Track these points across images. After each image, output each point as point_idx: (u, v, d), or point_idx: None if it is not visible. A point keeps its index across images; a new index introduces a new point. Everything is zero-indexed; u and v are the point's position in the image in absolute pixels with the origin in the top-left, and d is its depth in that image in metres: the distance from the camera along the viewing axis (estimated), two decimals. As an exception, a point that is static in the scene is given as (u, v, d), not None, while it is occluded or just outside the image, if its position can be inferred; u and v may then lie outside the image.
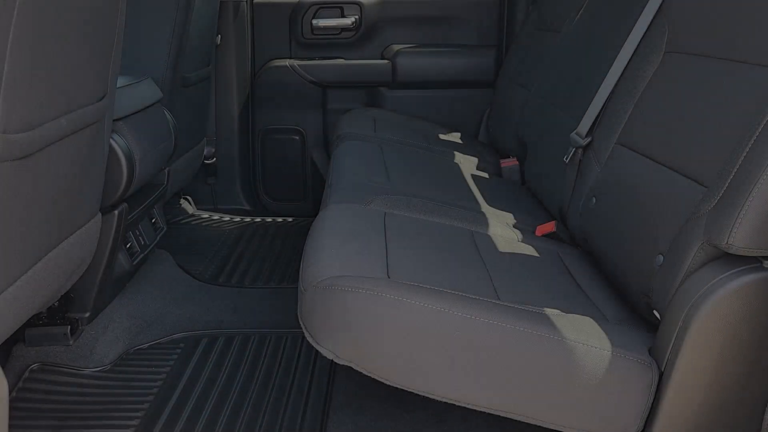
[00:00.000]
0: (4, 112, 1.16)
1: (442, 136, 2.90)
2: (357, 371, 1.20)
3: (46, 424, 1.66)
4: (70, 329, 1.90)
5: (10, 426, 1.63)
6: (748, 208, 1.09)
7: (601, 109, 1.78)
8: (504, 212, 1.95)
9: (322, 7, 3.26)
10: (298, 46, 3.32)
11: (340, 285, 1.21)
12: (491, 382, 1.17)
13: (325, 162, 3.31)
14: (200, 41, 2.71)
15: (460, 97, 3.27)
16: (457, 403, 1.20)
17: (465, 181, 2.21)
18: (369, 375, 1.18)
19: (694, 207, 1.24)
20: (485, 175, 2.41)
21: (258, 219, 3.23)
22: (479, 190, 2.13)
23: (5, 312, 1.34)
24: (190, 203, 3.27)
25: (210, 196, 3.33)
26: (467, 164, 2.50)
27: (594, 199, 1.66)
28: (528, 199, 2.21)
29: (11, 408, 1.69)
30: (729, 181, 1.16)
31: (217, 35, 3.12)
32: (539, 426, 1.22)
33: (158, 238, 2.34)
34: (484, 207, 1.95)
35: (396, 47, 3.27)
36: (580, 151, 1.81)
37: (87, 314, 1.96)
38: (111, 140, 1.82)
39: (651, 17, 1.70)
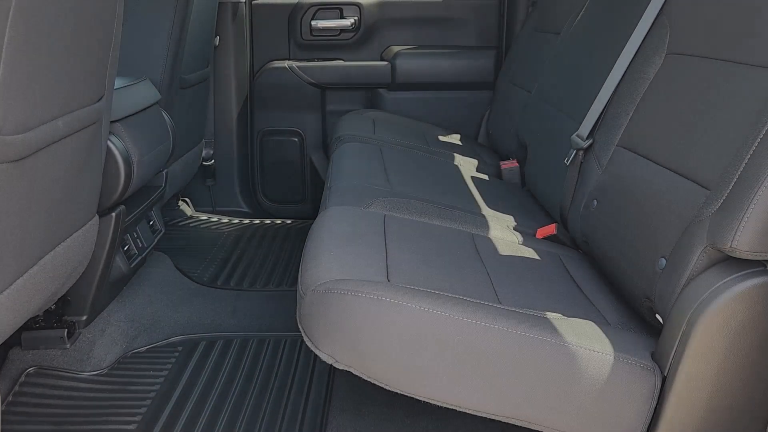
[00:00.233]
0: (0, 114, 1.14)
1: (441, 138, 2.89)
2: (357, 375, 1.18)
3: (43, 429, 1.64)
4: (67, 332, 1.89)
5: (6, 431, 1.62)
6: (753, 210, 1.08)
7: (603, 111, 1.77)
8: (504, 215, 1.94)
9: (321, 8, 3.25)
10: (297, 48, 3.31)
11: (340, 289, 1.19)
12: (492, 387, 1.16)
13: (324, 164, 3.30)
14: (198, 42, 2.70)
15: (460, 99, 3.25)
16: (457, 409, 1.18)
17: (465, 183, 2.20)
18: (369, 380, 1.17)
19: (697, 210, 1.23)
20: (485, 177, 2.39)
21: (257, 221, 3.22)
22: (479, 192, 2.12)
23: (1, 315, 1.32)
24: (188, 205, 3.26)
25: (208, 198, 3.32)
26: (467, 166, 2.48)
27: (595, 202, 1.64)
28: (528, 202, 2.20)
29: (7, 412, 1.68)
30: (733, 183, 1.15)
31: (216, 36, 3.11)
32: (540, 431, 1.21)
33: (156, 241, 2.32)
34: (485, 209, 1.93)
35: (395, 49, 3.26)
36: (581, 153, 1.80)
37: (84, 317, 1.95)
38: (108, 142, 1.81)
39: (652, 18, 1.69)
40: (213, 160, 3.26)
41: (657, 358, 1.19)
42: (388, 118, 3.04)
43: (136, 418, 1.68)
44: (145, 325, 2.08)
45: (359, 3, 3.25)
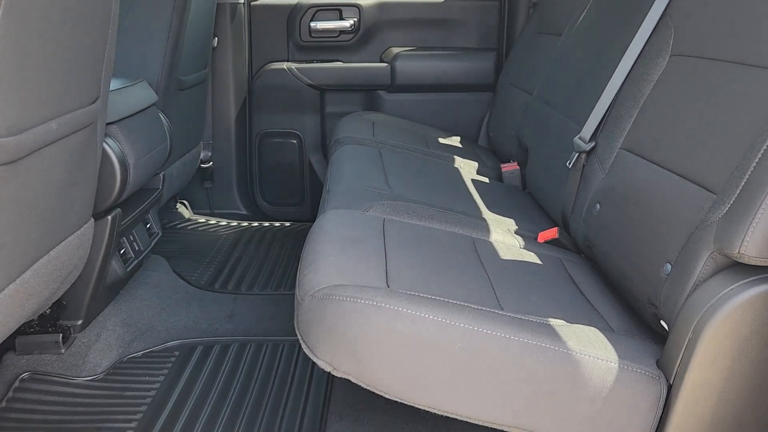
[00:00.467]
0: (-9, 116, 1.12)
1: (441, 140, 2.86)
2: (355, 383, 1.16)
3: (36, 436, 1.62)
4: (62, 337, 1.86)
5: (-1, 438, 1.59)
6: (761, 215, 1.06)
7: (605, 113, 1.75)
8: (505, 218, 1.92)
9: (321, 10, 3.23)
10: (296, 49, 3.28)
11: (338, 295, 1.17)
12: (494, 396, 1.13)
13: (323, 166, 3.28)
14: (196, 44, 2.68)
15: (460, 101, 3.23)
16: (458, 417, 1.16)
17: (465, 186, 2.18)
18: (368, 388, 1.14)
19: (703, 214, 1.21)
20: (486, 179, 2.37)
21: (255, 224, 3.19)
22: (480, 195, 2.10)
23: (-7, 321, 1.30)
24: (186, 207, 3.23)
25: (206, 201, 3.29)
26: (467, 169, 2.46)
27: (598, 206, 1.62)
28: (530, 205, 2.17)
29: (0, 419, 1.65)
30: (740, 187, 1.12)
31: (214, 38, 3.09)
32: (543, 440, 1.18)
33: (153, 244, 2.30)
34: (485, 213, 1.91)
35: (395, 50, 3.24)
36: (583, 156, 1.77)
37: (79, 322, 1.92)
38: (104, 144, 1.79)
39: (656, 19, 1.67)
40: (211, 162, 3.24)
41: (662, 365, 1.17)
42: (387, 120, 3.01)
43: (131, 425, 1.66)
44: (141, 330, 2.05)
45: (359, 4, 3.23)
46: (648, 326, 1.35)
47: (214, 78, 3.16)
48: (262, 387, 1.83)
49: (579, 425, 1.14)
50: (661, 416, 1.14)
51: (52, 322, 1.87)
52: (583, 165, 1.78)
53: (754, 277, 1.09)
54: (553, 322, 1.22)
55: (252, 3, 3.25)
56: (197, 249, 2.81)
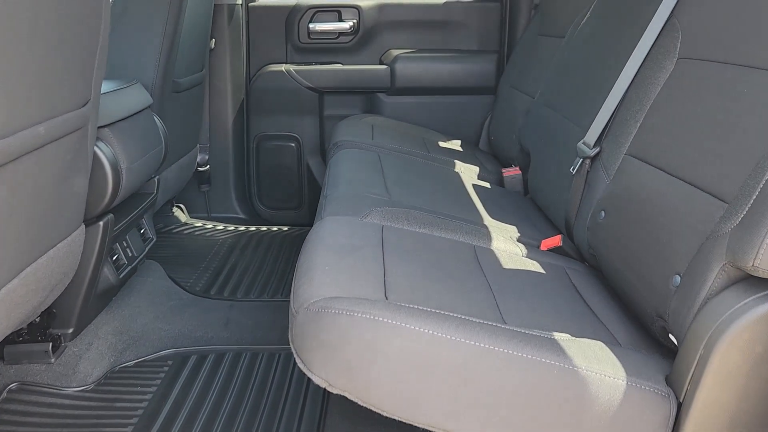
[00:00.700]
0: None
1: (441, 144, 2.82)
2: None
3: (24, 449, 1.57)
4: (52, 346, 1.81)
5: (-15, 451, 1.55)
6: (777, 227, 1.01)
7: (610, 117, 1.70)
8: (507, 225, 1.87)
9: (320, 11, 3.18)
10: (295, 51, 3.24)
11: (334, 308, 1.12)
12: (496, 414, 1.08)
13: (322, 169, 3.23)
14: (193, 45, 2.63)
15: (461, 104, 3.19)
16: (459, 436, 1.11)
17: (466, 191, 2.13)
18: (365, 406, 1.10)
19: (714, 224, 1.16)
20: (487, 185, 2.32)
21: (252, 228, 3.14)
22: (481, 201, 2.05)
23: (-22, 331, 1.25)
24: (183, 211, 3.18)
25: (203, 204, 3.25)
26: (468, 173, 2.41)
27: (603, 213, 1.57)
28: (532, 211, 2.13)
29: (-13, 431, 1.60)
30: (754, 197, 1.08)
31: (211, 39, 3.04)
32: (548, 460, 1.13)
33: (147, 250, 2.25)
34: (487, 219, 1.86)
35: (395, 52, 3.19)
36: (587, 161, 1.73)
37: (70, 330, 1.87)
38: (95, 148, 1.74)
39: (663, 21, 1.62)
40: (208, 166, 3.19)
41: (672, 382, 1.12)
42: (387, 123, 2.97)
43: (122, 438, 1.61)
44: (133, 338, 2.00)
45: (358, 6, 3.18)
46: (655, 339, 1.31)
47: (212, 80, 3.12)
48: (257, 397, 1.79)
49: (585, 445, 1.09)
50: (670, 435, 1.09)
51: (41, 330, 1.82)
52: (587, 171, 1.73)
53: (769, 291, 1.04)
54: (557, 336, 1.18)
55: (250, 4, 3.21)
56: (193, 254, 2.76)
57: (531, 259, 1.63)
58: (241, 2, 3.13)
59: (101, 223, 1.81)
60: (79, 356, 1.85)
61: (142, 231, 2.25)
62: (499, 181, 2.47)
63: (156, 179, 2.30)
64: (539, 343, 1.12)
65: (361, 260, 1.35)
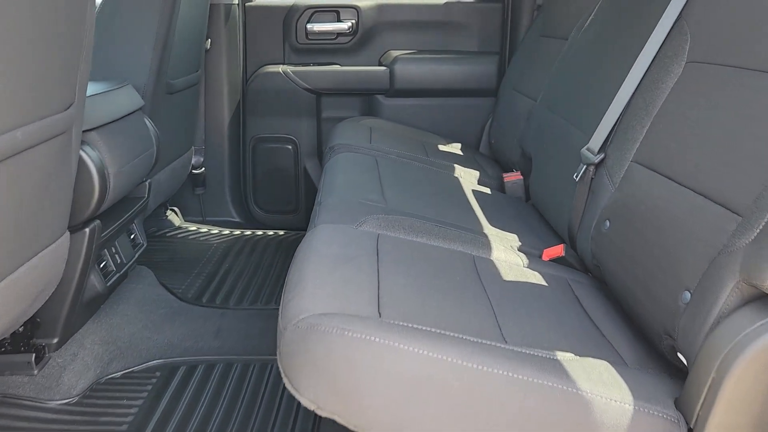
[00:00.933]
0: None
1: (441, 148, 2.76)
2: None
3: (3, 466, 1.51)
4: (35, 357, 1.75)
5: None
6: (796, 244, 0.94)
7: (615, 123, 1.64)
8: (508, 233, 1.80)
9: (318, 11, 3.12)
10: (292, 52, 3.18)
11: (324, 325, 1.06)
12: (495, 439, 1.02)
13: (319, 172, 3.17)
14: (187, 46, 2.57)
15: (461, 107, 3.12)
16: (455, 462, 1.04)
17: (466, 197, 2.07)
18: (356, 430, 1.03)
19: (727, 238, 1.09)
20: (487, 190, 2.26)
21: (248, 232, 3.08)
22: (481, 207, 1.99)
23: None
24: (177, 215, 3.12)
25: (198, 207, 3.19)
26: (468, 178, 2.35)
27: (608, 222, 1.51)
28: (533, 218, 2.06)
29: (-35, 447, 1.54)
30: (771, 211, 1.01)
31: (207, 39, 2.98)
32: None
33: (137, 256, 2.19)
34: (487, 227, 1.80)
35: (394, 53, 3.13)
36: (591, 168, 1.66)
37: (55, 340, 1.81)
38: (81, 152, 1.68)
39: (671, 24, 1.56)
40: (203, 168, 3.13)
41: (681, 406, 1.05)
42: (385, 126, 2.90)
43: (106, 454, 1.55)
44: (121, 348, 1.94)
45: (357, 6, 3.12)
46: (663, 357, 1.24)
47: (207, 81, 3.06)
48: (247, 411, 1.72)
49: (589, 473, 1.03)
50: (680, 463, 1.03)
51: (24, 341, 1.76)
52: (591, 178, 1.67)
53: (787, 312, 0.98)
54: (560, 355, 1.11)
55: (247, 4, 3.15)
56: (186, 259, 2.70)
57: (532, 269, 1.56)
58: (237, 2, 3.07)
59: (87, 229, 1.75)
60: (63, 367, 1.79)
61: (132, 236, 2.19)
62: (499, 187, 2.40)
63: (147, 183, 2.23)
64: (541, 365, 1.06)
65: (355, 272, 1.29)
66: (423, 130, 3.03)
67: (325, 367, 1.04)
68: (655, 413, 1.03)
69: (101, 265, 1.95)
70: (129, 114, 1.98)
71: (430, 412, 1.01)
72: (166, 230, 2.99)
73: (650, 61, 1.59)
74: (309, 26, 3.12)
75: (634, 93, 1.61)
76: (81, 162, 1.67)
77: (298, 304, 1.15)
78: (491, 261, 1.55)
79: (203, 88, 3.05)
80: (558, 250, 1.69)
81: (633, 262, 1.35)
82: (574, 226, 1.71)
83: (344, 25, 3.11)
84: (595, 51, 2.00)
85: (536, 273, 1.54)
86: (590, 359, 1.14)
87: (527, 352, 1.09)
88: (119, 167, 1.80)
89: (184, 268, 2.59)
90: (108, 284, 1.96)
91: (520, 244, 1.74)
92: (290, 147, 3.19)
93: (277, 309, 2.31)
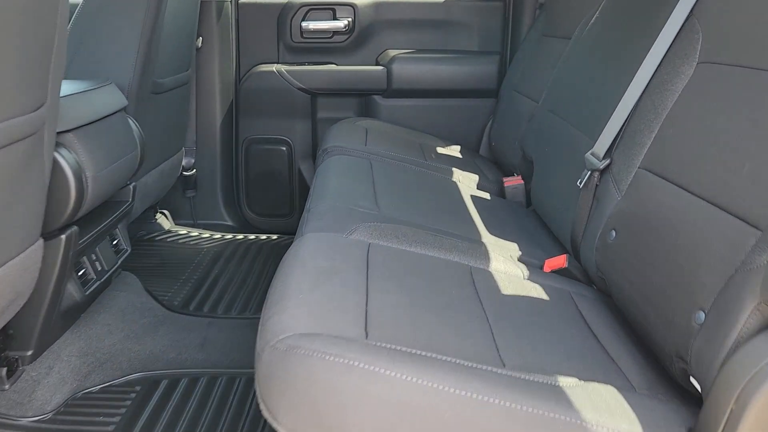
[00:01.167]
0: None
1: (440, 150, 2.66)
2: None
3: (-32, 489, 1.42)
4: (7, 371, 1.66)
5: None
6: (827, 265, 0.85)
7: (622, 126, 1.54)
8: (507, 242, 1.71)
9: (313, 9, 3.04)
10: (287, 50, 3.09)
11: (304, 348, 0.97)
12: (491, 475, 0.93)
13: (314, 175, 3.08)
14: (176, 43, 2.48)
15: (461, 108, 3.03)
16: (447, 499, 0.95)
17: (464, 203, 1.97)
18: (337, 464, 0.94)
19: (746, 255, 1.00)
20: (486, 195, 2.17)
21: (240, 236, 2.99)
22: (480, 214, 1.89)
23: None
24: (167, 218, 3.03)
25: (189, 211, 3.09)
26: (467, 183, 2.26)
27: (613, 233, 1.41)
28: (534, 226, 1.97)
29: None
30: (797, 227, 0.92)
31: (198, 37, 2.89)
32: None
33: (120, 262, 2.09)
34: (485, 236, 1.71)
35: (392, 53, 3.04)
36: (596, 174, 1.57)
37: (29, 353, 1.72)
38: (56, 155, 1.59)
39: (681, 21, 1.46)
40: (194, 170, 3.04)
41: (696, 438, 0.96)
42: (382, 127, 2.81)
43: (78, 476, 1.46)
44: (100, 360, 1.85)
45: (353, 3, 3.03)
46: (675, 381, 1.15)
47: (199, 80, 2.97)
48: (231, 428, 1.63)
49: None
50: (694, 503, 0.93)
51: (-3, 353, 1.67)
52: (596, 184, 1.57)
53: (815, 338, 0.88)
54: (563, 381, 1.02)
55: (240, 1, 3.06)
56: (175, 264, 2.61)
57: (533, 282, 1.47)
58: (230, -1, 2.99)
59: (63, 236, 1.66)
60: (37, 381, 1.70)
61: (115, 242, 2.10)
62: (499, 191, 2.31)
63: (131, 186, 2.14)
64: (543, 392, 0.97)
65: (341, 287, 1.19)
66: (421, 131, 2.93)
67: (306, 393, 0.95)
68: (668, 447, 0.94)
69: (80, 273, 1.86)
70: (111, 114, 1.89)
71: (420, 446, 0.92)
72: (155, 234, 2.90)
73: (659, 61, 1.50)
74: (304, 24, 3.03)
75: (641, 95, 1.52)
76: (56, 165, 1.57)
77: (278, 322, 1.06)
78: (489, 272, 1.46)
79: (194, 88, 2.95)
80: (560, 261, 1.59)
81: (641, 276, 1.26)
82: (577, 236, 1.62)
83: (340, 23, 3.03)
84: (600, 50, 1.91)
85: (537, 286, 1.45)
86: (595, 384, 1.05)
87: (527, 378, 1.00)
88: (98, 170, 1.71)
89: (171, 273, 2.50)
90: (87, 293, 1.87)
91: (520, 253, 1.65)
92: (284, 149, 3.10)
93: (266, 319, 2.21)
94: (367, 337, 1.02)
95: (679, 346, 1.09)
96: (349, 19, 3.04)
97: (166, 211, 3.04)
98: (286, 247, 2.86)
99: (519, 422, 0.92)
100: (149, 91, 2.25)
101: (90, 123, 1.75)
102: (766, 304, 0.93)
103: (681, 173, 1.27)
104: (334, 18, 3.04)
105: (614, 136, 1.55)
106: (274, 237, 3.02)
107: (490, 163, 2.73)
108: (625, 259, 1.34)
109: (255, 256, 2.76)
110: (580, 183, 1.61)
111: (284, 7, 3.04)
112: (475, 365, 0.99)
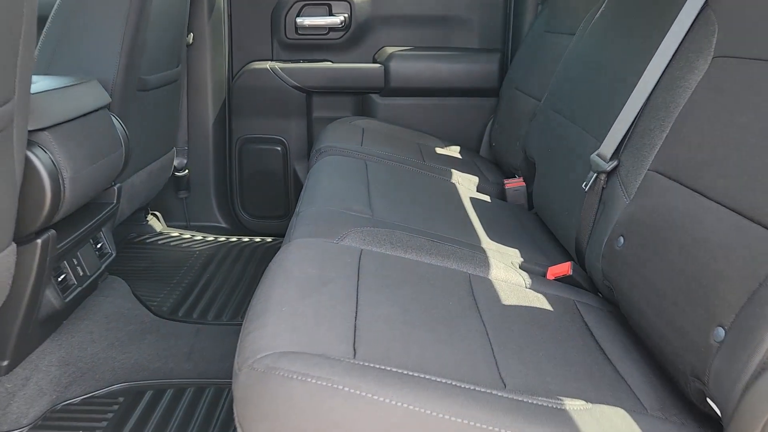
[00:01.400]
0: None
1: (439, 150, 2.57)
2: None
3: None
4: (-20, 383, 1.57)
5: None
6: None
7: (630, 126, 1.45)
8: (509, 248, 1.62)
9: (308, 5, 2.95)
10: (281, 47, 3.01)
11: (284, 369, 0.88)
12: None
13: (309, 176, 2.99)
14: (164, 39, 2.39)
15: (460, 107, 2.94)
16: None
17: (463, 206, 1.88)
18: (320, 498, 0.85)
19: (771, 266, 0.91)
20: (487, 198, 2.08)
21: (233, 239, 2.90)
22: (479, 218, 1.80)
23: None
24: (159, 220, 2.94)
25: (182, 212, 3.01)
26: (466, 185, 2.17)
27: (621, 239, 1.32)
28: (537, 231, 1.88)
29: None
30: (830, 237, 0.83)
31: (189, 33, 2.80)
32: None
33: (104, 267, 2.01)
34: (485, 242, 1.62)
35: (389, 50, 2.95)
36: (602, 176, 1.48)
37: (5, 363, 1.64)
38: (30, 154, 1.50)
39: (695, 13, 1.37)
40: (186, 170, 2.95)
41: (715, 469, 0.87)
42: (379, 127, 2.72)
43: (52, 496, 1.37)
44: (81, 370, 1.76)
45: (350, -1, 2.94)
46: (690, 402, 1.06)
47: (190, 78, 2.88)
48: (217, 445, 1.55)
49: None
50: None
51: (-32, 364, 1.58)
52: (603, 188, 1.48)
53: None
54: (569, 404, 0.93)
55: (233, -4, 2.97)
56: (165, 267, 2.52)
57: (535, 291, 1.38)
58: (222, -7, 2.90)
59: (39, 240, 1.57)
60: (12, 394, 1.61)
61: (99, 246, 2.01)
62: (500, 194, 2.22)
63: (116, 187, 2.05)
64: (547, 417, 0.88)
65: (329, 298, 1.11)
66: (419, 131, 2.84)
67: (286, 419, 0.86)
68: (685, 480, 0.85)
69: (60, 279, 1.77)
70: (92, 111, 1.80)
71: (411, 479, 0.83)
72: (146, 236, 2.81)
73: (671, 56, 1.41)
74: (299, 20, 2.94)
75: (652, 92, 1.43)
76: (29, 165, 1.49)
77: (258, 339, 0.97)
78: (489, 281, 1.37)
79: (185, 86, 2.87)
80: (564, 268, 1.50)
81: (652, 287, 1.16)
82: (582, 242, 1.53)
83: (336, 20, 2.94)
84: (607, 46, 1.82)
85: (540, 295, 1.36)
86: (604, 407, 0.96)
87: (530, 401, 0.91)
88: (77, 171, 1.62)
89: (162, 277, 2.41)
90: (67, 300, 1.78)
91: (522, 260, 1.56)
92: (279, 148, 3.02)
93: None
94: (354, 355, 0.94)
95: (695, 365, 1.00)
96: (346, 15, 2.96)
97: (157, 213, 2.95)
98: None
99: (521, 453, 0.83)
100: (135, 87, 2.16)
101: (68, 121, 1.66)
102: (795, 322, 0.84)
103: (695, 176, 1.18)
104: (330, 14, 2.96)
105: (622, 135, 1.46)
106: (269, 240, 2.93)
107: (491, 164, 2.64)
108: (635, 268, 1.25)
109: (248, 260, 2.67)
110: (586, 186, 1.52)
111: (278, 3, 2.96)
112: (472, 387, 0.90)
